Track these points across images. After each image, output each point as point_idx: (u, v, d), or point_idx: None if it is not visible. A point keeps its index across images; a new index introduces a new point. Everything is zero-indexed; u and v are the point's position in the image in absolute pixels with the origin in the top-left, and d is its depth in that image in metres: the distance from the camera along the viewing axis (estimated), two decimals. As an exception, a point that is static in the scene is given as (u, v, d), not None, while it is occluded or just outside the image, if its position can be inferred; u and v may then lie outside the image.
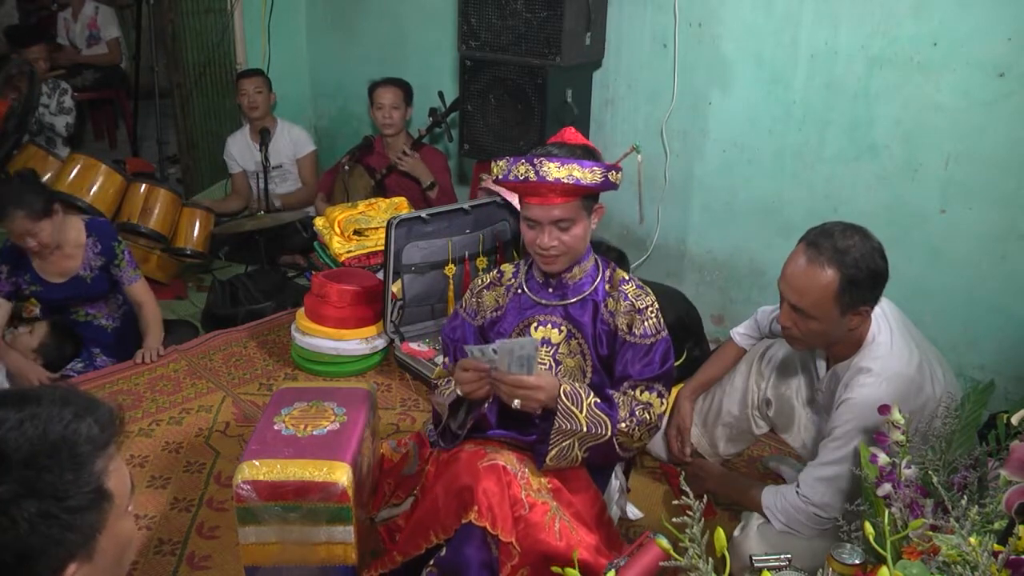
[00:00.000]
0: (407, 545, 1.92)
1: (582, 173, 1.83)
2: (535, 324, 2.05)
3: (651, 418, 1.97)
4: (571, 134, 2.00)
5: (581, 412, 1.86)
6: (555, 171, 1.82)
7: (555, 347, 2.03)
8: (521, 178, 1.84)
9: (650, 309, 2.00)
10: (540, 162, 1.82)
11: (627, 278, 2.04)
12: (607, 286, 2.04)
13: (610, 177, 1.86)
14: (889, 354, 1.89)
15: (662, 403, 2.00)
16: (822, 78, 2.87)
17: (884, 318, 1.95)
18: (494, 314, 2.11)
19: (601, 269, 2.06)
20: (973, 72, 2.55)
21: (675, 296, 2.98)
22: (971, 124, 2.58)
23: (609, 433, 1.88)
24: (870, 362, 1.88)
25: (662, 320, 2.02)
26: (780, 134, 3.02)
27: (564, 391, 1.85)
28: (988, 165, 2.58)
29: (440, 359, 2.91)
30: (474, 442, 1.97)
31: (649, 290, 2.04)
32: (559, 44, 3.08)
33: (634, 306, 1.99)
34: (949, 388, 1.94)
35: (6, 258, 2.94)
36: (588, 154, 1.91)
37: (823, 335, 1.91)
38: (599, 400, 1.91)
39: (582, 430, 1.85)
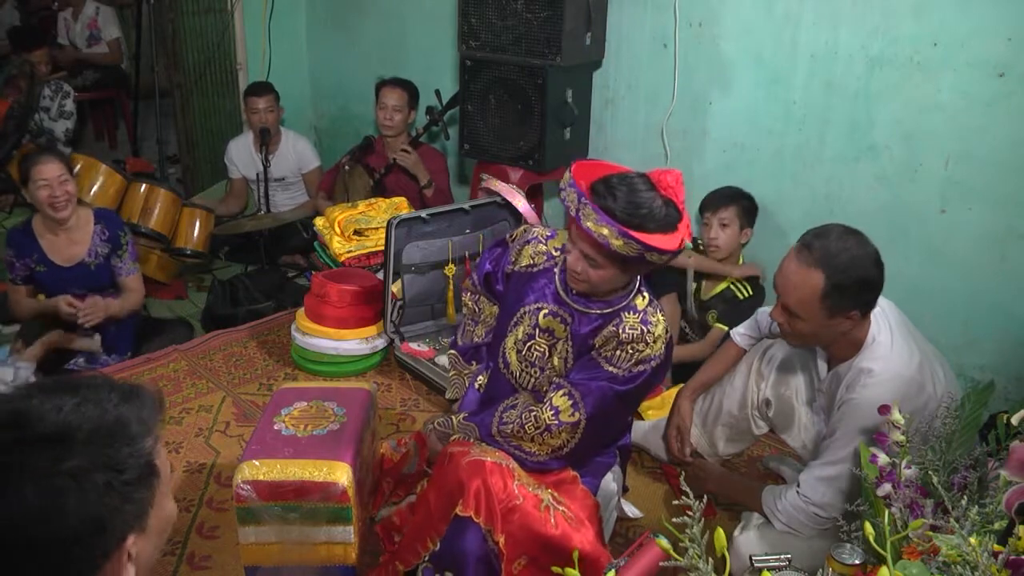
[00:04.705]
0: (406, 553, 1.93)
1: (611, 236, 1.69)
2: (546, 311, 1.99)
3: (540, 422, 1.89)
4: (670, 179, 1.77)
5: (452, 429, 2.08)
6: (587, 220, 1.71)
7: (556, 340, 1.99)
8: (566, 203, 1.76)
9: (631, 347, 1.86)
10: (584, 204, 1.71)
11: (638, 308, 1.90)
12: (621, 312, 1.91)
13: (648, 257, 1.72)
14: (890, 355, 1.89)
15: (573, 414, 1.89)
16: (822, 78, 2.87)
17: (884, 318, 1.95)
18: (528, 268, 2.06)
19: (631, 299, 1.92)
20: (973, 72, 2.55)
21: None
22: (971, 124, 2.58)
23: (478, 435, 2.00)
24: (871, 363, 1.88)
25: (639, 368, 1.87)
26: (780, 134, 3.02)
27: (436, 423, 2.12)
28: (988, 165, 2.58)
29: (440, 359, 2.92)
30: (462, 443, 1.98)
31: (655, 334, 1.87)
32: (559, 44, 3.08)
33: (618, 335, 1.87)
34: (949, 388, 1.94)
35: (12, 242, 3.04)
36: (665, 210, 1.73)
37: (812, 336, 1.93)
38: (470, 415, 2.07)
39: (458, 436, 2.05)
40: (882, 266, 1.84)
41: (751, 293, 2.95)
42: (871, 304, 1.87)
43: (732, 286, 2.97)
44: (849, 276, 1.80)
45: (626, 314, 1.90)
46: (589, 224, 1.71)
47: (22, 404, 0.93)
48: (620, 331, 1.88)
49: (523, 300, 2.04)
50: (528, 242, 2.10)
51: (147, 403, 0.99)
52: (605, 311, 1.92)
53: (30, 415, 0.92)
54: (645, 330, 1.88)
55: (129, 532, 0.95)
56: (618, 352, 1.88)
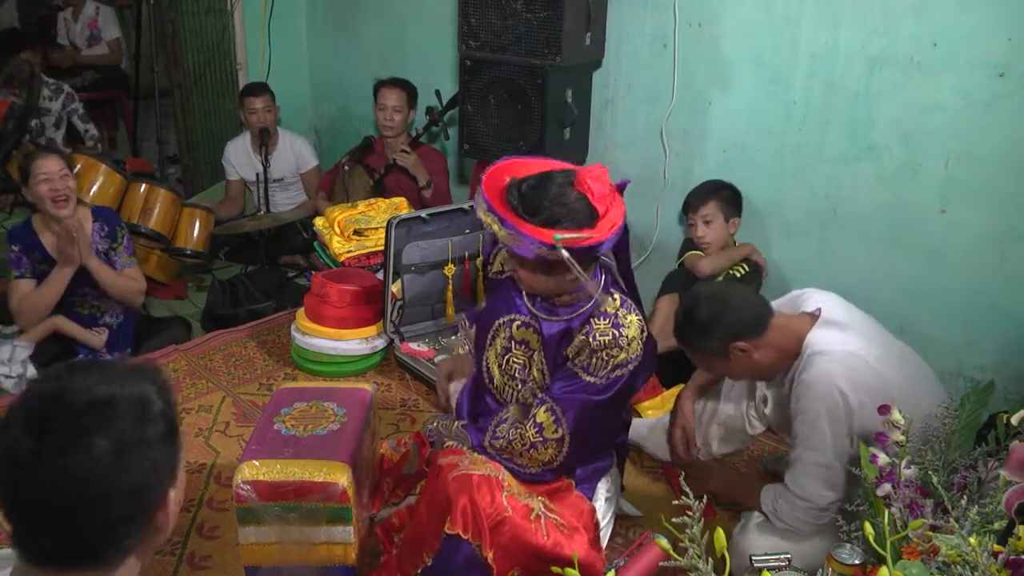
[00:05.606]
0: (405, 564, 1.92)
1: (494, 224, 1.70)
2: (518, 323, 1.99)
3: (525, 440, 1.90)
4: (589, 176, 1.72)
5: (449, 434, 2.07)
6: (480, 210, 1.73)
7: (532, 352, 1.98)
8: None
9: (605, 353, 1.84)
10: (479, 194, 1.73)
11: (608, 312, 1.86)
12: (591, 318, 1.87)
13: (534, 249, 1.69)
14: (834, 340, 1.92)
15: (556, 430, 1.88)
16: (822, 78, 2.87)
17: (847, 315, 2.00)
18: (497, 275, 2.06)
19: (598, 304, 1.89)
20: (973, 72, 2.55)
21: None
22: (971, 124, 2.58)
23: (469, 446, 1.99)
24: (816, 347, 1.92)
25: (616, 373, 1.86)
26: (780, 134, 3.02)
27: (438, 427, 2.14)
28: (988, 165, 2.58)
29: (440, 359, 2.92)
30: (453, 452, 1.97)
31: (628, 336, 1.85)
32: (559, 44, 3.08)
33: (589, 344, 1.85)
34: (919, 377, 1.96)
35: (16, 238, 3.02)
36: (578, 206, 1.70)
37: (746, 373, 2.09)
38: (466, 423, 2.07)
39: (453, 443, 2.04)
40: (722, 306, 1.95)
41: (748, 269, 3.00)
42: (750, 328, 1.94)
43: (731, 269, 3.01)
44: (692, 327, 1.98)
45: (596, 320, 1.87)
46: (480, 214, 1.73)
47: (62, 382, 0.99)
48: (591, 339, 1.85)
49: (497, 313, 2.03)
50: (503, 248, 2.07)
51: (158, 380, 1.09)
52: (571, 316, 1.90)
53: (75, 389, 0.98)
54: (617, 334, 1.85)
55: (171, 487, 1.05)
56: (593, 360, 1.86)
